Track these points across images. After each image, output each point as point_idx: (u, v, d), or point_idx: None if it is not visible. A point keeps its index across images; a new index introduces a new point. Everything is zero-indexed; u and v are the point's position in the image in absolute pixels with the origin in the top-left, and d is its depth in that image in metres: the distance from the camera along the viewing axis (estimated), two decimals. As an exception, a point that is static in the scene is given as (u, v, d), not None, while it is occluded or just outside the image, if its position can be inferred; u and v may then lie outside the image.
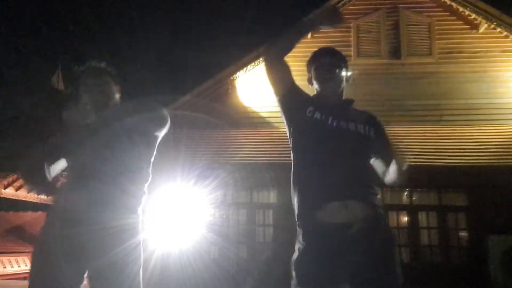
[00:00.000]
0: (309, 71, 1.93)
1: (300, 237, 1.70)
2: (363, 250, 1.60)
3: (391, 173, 1.79)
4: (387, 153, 1.81)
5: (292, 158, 1.83)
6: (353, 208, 1.64)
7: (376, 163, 1.85)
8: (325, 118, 1.76)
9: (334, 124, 1.75)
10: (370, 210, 1.67)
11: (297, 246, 1.70)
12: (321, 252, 1.62)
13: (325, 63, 1.86)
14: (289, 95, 1.84)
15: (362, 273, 1.58)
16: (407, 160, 1.76)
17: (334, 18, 1.83)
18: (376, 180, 1.79)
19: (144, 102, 1.93)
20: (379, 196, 1.75)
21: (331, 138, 1.74)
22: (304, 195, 1.73)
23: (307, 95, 1.87)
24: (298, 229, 1.73)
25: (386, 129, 1.87)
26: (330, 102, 1.83)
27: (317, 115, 1.76)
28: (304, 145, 1.79)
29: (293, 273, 1.66)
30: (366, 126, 1.79)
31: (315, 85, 1.90)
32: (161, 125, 1.85)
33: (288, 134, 1.87)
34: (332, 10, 1.88)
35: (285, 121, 1.88)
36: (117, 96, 1.94)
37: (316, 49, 1.95)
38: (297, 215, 1.74)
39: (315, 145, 1.76)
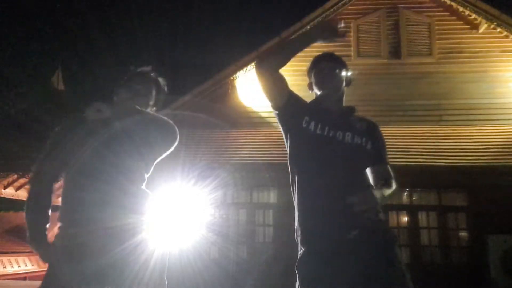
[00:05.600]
0: (309, 76, 1.93)
1: (300, 243, 1.69)
2: (364, 251, 1.59)
3: (378, 187, 1.71)
4: (381, 170, 1.79)
5: (289, 167, 1.81)
6: (351, 215, 1.59)
7: (369, 172, 1.81)
8: (321, 128, 1.74)
9: (330, 134, 1.73)
10: (368, 216, 1.62)
11: (299, 251, 1.69)
12: (323, 257, 1.61)
13: (324, 68, 1.86)
14: (287, 107, 1.80)
15: (366, 272, 1.56)
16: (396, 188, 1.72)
17: (333, 32, 1.76)
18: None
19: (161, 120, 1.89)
20: (378, 201, 1.65)
21: (326, 149, 1.72)
22: (302, 206, 1.72)
23: (304, 103, 1.84)
24: (298, 235, 1.71)
25: (385, 142, 1.84)
26: (330, 108, 1.82)
27: (312, 125, 1.74)
28: (299, 155, 1.78)
29: (297, 276, 1.65)
30: (364, 138, 1.76)
31: (315, 90, 1.90)
32: (171, 145, 1.88)
33: (285, 143, 1.85)
34: (328, 24, 1.80)
35: (283, 132, 1.87)
36: (153, 106, 1.96)
37: (316, 54, 1.94)
38: (298, 224, 1.72)
39: (309, 155, 1.74)
